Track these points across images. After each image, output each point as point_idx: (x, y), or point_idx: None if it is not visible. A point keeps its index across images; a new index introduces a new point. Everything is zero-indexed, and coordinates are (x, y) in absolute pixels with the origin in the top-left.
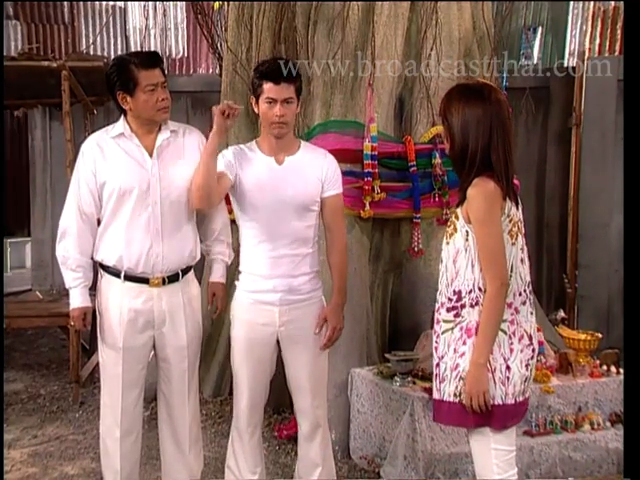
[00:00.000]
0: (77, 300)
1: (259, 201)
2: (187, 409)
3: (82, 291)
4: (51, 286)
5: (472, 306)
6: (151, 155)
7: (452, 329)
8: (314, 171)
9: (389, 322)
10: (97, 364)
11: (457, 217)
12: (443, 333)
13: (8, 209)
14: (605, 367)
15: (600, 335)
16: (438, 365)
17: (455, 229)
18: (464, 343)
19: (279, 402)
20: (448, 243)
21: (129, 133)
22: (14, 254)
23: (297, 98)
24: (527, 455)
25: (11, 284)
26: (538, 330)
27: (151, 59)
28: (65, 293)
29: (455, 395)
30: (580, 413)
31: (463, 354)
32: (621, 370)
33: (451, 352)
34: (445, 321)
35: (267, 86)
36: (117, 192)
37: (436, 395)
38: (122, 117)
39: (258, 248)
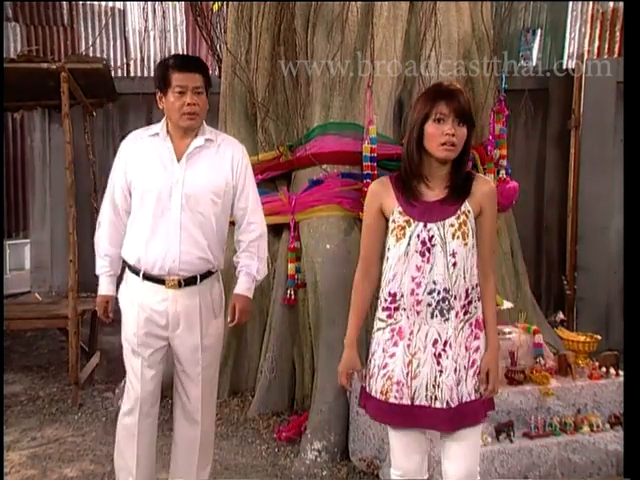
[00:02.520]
0: (101, 288)
1: None
2: (200, 412)
3: (107, 279)
4: (50, 288)
5: (478, 299)
6: (180, 160)
7: (462, 328)
8: None
9: None
10: (96, 366)
11: (467, 215)
12: (457, 338)
13: (7, 211)
14: (604, 369)
15: (599, 337)
16: (456, 370)
17: (468, 227)
18: (476, 337)
19: (278, 404)
20: (467, 244)
21: (164, 134)
22: (13, 256)
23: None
24: (526, 457)
25: (10, 286)
26: (537, 332)
27: (187, 62)
28: (64, 295)
29: (475, 391)
30: (579, 415)
31: (477, 349)
32: (620, 372)
33: (463, 351)
34: (459, 324)
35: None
36: (140, 192)
37: (455, 402)
38: (164, 117)
39: None
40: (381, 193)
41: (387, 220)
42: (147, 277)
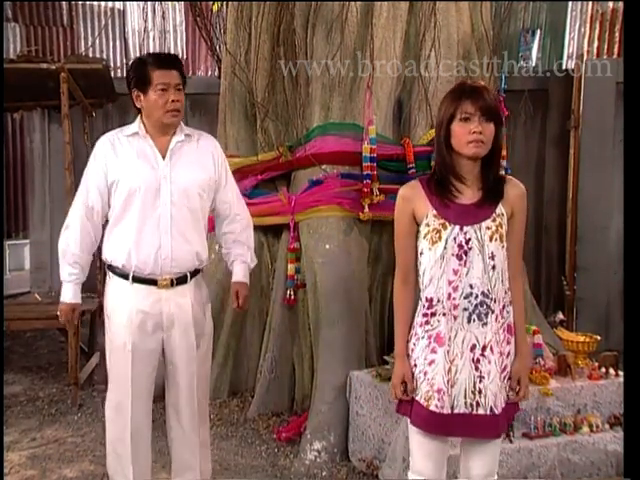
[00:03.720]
0: (68, 295)
1: None
2: (195, 412)
3: (75, 287)
4: (50, 288)
5: (510, 303)
6: (164, 157)
7: (499, 333)
8: None
9: (388, 324)
10: (96, 366)
11: (501, 217)
12: (498, 343)
13: (7, 211)
14: (604, 369)
15: (599, 337)
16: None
17: (503, 230)
18: (508, 342)
19: (278, 404)
20: (503, 246)
21: (144, 133)
22: (13, 256)
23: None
24: (526, 457)
25: (10, 286)
26: (537, 332)
27: (167, 60)
28: None
29: (508, 397)
30: (579, 415)
31: (509, 354)
32: (620, 372)
33: (496, 356)
34: (499, 328)
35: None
36: (126, 191)
37: (499, 408)
38: (138, 117)
39: None
40: (412, 197)
41: (417, 224)
42: (137, 279)
